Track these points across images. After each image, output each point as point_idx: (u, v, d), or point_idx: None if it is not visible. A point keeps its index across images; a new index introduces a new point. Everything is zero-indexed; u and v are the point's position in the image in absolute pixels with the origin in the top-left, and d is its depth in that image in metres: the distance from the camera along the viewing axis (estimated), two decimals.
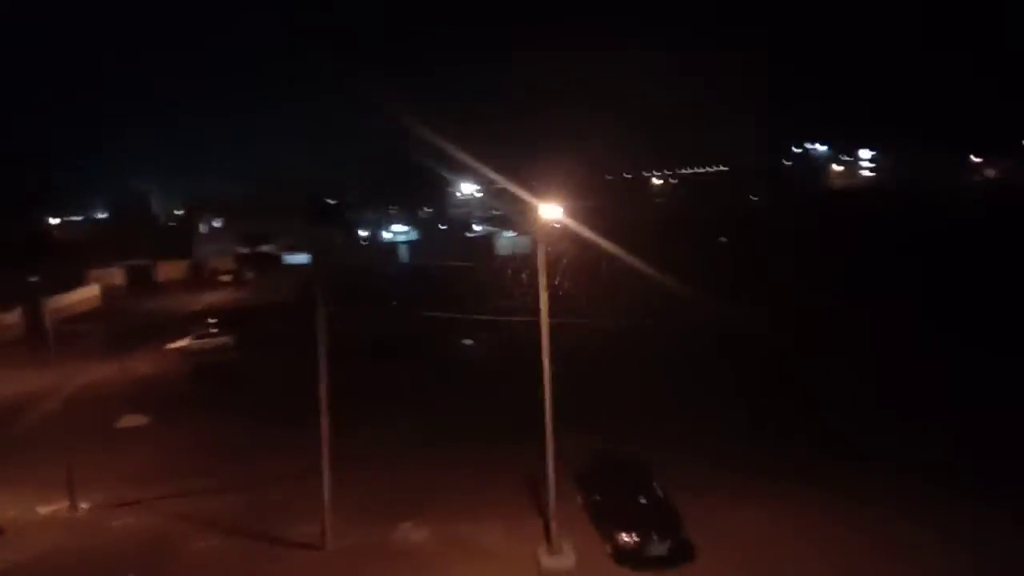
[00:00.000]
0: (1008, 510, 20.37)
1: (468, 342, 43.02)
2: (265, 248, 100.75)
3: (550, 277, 19.99)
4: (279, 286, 71.65)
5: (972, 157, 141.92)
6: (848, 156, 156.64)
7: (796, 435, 26.53)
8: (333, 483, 20.59)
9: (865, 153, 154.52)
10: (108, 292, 74.43)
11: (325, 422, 20.46)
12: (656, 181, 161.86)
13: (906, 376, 31.97)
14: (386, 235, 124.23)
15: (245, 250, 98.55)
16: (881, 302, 45.92)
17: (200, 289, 79.01)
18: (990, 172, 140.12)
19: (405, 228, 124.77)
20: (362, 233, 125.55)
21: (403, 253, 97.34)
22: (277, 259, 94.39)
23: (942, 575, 17.96)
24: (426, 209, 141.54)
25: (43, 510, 24.13)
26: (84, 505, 24.21)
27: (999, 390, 29.31)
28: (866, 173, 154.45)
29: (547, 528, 20.10)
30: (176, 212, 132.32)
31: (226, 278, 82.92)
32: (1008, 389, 29.12)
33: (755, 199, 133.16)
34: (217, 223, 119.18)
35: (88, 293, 70.99)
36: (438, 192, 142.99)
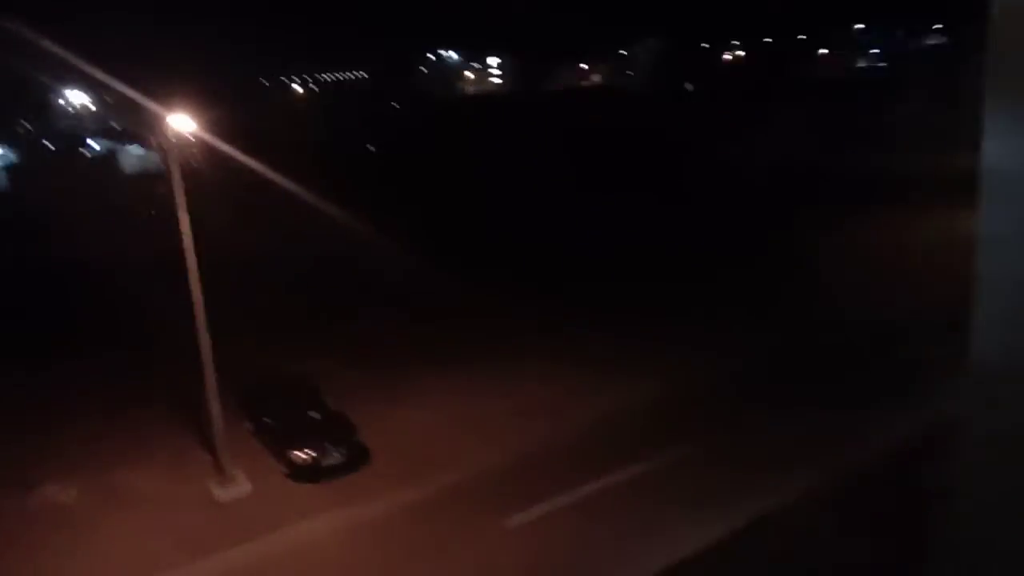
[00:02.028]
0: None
1: None
2: None
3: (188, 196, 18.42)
4: None
5: (581, 65, 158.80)
6: (478, 64, 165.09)
7: (444, 327, 28.56)
8: None
9: (493, 61, 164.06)
10: None
11: None
12: (297, 88, 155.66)
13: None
14: None
15: None
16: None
17: None
18: (596, 78, 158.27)
19: (1, 150, 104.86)
20: None
21: (1, 180, 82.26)
22: None
23: (566, 424, 20.90)
24: (26, 125, 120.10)
25: None
26: None
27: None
28: (495, 80, 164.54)
29: (216, 460, 19.33)
30: None
31: None
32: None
33: (396, 106, 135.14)
34: None
35: None
36: (40, 104, 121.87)
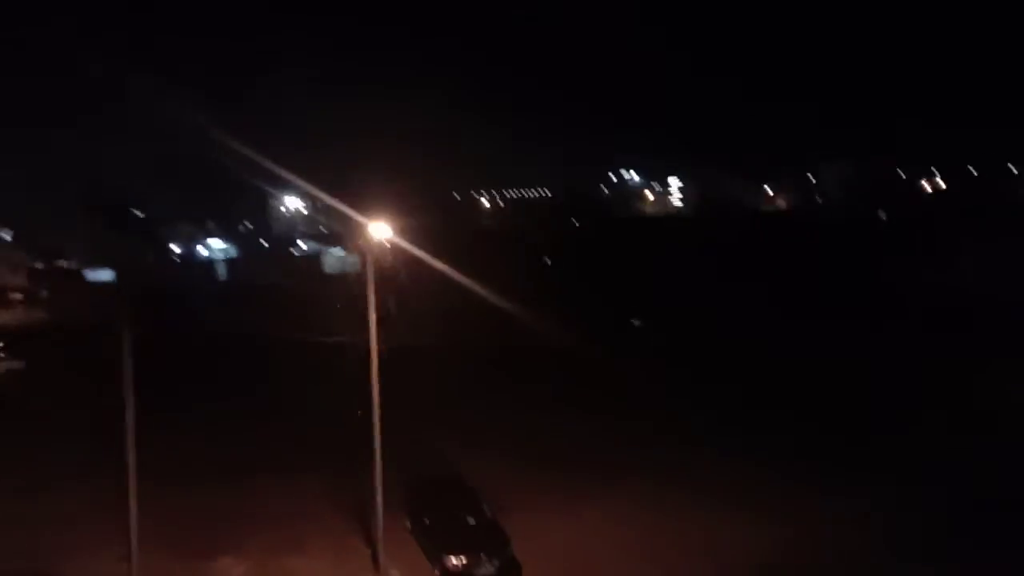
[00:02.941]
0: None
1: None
2: (63, 263, 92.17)
3: (380, 296, 19.82)
4: (79, 305, 65.62)
5: (767, 189, 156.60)
6: (660, 185, 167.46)
7: (616, 442, 28.04)
8: (141, 512, 19.04)
9: (675, 182, 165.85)
10: None
11: (132, 449, 18.91)
12: (485, 203, 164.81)
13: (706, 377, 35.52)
14: (202, 251, 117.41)
15: (40, 265, 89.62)
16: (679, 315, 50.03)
17: None
18: (781, 202, 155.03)
19: (223, 244, 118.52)
20: (175, 248, 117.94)
21: (220, 270, 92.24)
22: (78, 275, 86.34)
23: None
24: (247, 224, 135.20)
25: None
26: None
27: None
28: (675, 201, 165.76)
29: (374, 554, 19.73)
30: None
31: (17, 296, 75.29)
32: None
33: (576, 223, 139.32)
34: (6, 235, 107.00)
35: None
36: (260, 206, 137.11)
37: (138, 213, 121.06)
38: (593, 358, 39.62)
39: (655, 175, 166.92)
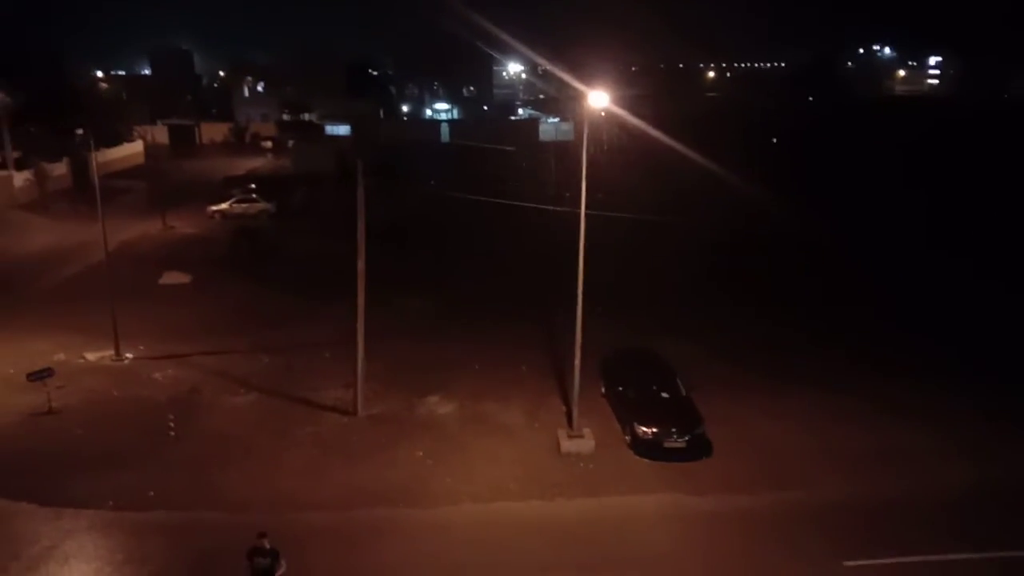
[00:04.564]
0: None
1: None
2: (306, 116, 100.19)
3: (593, 166, 19.69)
4: (319, 155, 71.53)
5: None
6: (914, 61, 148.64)
7: (818, 341, 26.75)
8: (366, 353, 21.22)
9: (932, 60, 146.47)
10: (151, 150, 75.02)
11: (362, 293, 20.86)
12: (710, 74, 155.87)
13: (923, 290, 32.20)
14: (428, 112, 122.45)
15: (286, 117, 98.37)
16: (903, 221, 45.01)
17: (241, 153, 79.58)
18: None
19: (447, 106, 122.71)
20: (404, 108, 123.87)
21: (444, 132, 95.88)
22: (318, 128, 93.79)
23: (938, 481, 18.32)
24: (470, 88, 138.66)
25: (90, 356, 25.30)
26: (128, 355, 25.35)
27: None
28: (931, 81, 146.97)
29: (569, 412, 20.66)
30: (220, 73, 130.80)
31: (267, 144, 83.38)
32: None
33: (811, 99, 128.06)
34: (259, 88, 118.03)
35: (132, 149, 71.54)
36: (483, 71, 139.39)
37: (373, 72, 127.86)
38: (814, 249, 37.54)
39: (911, 52, 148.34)
